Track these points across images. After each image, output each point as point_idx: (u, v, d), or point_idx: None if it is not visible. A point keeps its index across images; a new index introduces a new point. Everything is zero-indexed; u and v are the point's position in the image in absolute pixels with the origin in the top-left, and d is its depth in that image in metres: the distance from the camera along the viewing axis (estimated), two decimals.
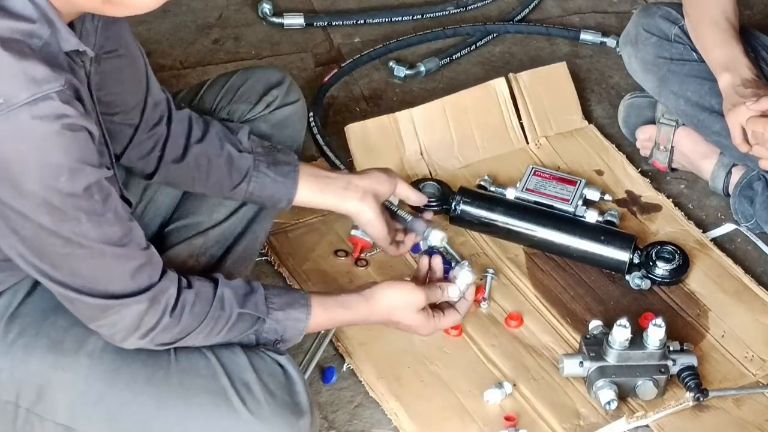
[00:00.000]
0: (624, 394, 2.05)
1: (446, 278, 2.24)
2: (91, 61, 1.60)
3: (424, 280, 2.05)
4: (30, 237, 1.51)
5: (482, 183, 2.43)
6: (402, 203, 2.17)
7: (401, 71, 2.81)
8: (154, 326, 1.64)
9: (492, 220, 2.34)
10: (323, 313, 1.84)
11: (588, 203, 2.41)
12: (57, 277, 1.57)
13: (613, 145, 2.62)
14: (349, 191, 2.00)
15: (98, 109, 1.64)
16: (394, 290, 1.91)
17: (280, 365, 1.75)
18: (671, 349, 2.07)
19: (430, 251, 2.30)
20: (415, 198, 2.15)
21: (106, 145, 1.64)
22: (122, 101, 1.81)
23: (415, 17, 3.01)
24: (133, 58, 1.81)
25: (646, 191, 2.51)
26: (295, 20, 2.96)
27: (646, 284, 2.27)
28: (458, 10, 3.04)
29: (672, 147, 2.52)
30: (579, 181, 2.42)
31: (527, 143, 2.60)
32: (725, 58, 2.28)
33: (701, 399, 2.04)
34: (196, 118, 1.93)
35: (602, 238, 2.30)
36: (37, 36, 1.45)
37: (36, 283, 1.72)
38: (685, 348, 2.10)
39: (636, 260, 2.28)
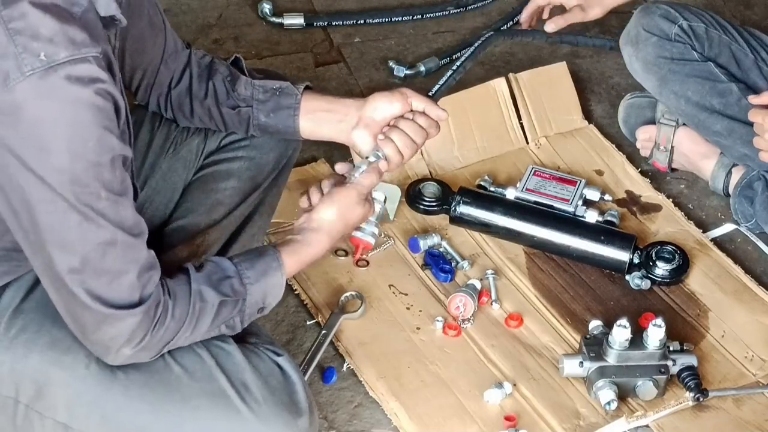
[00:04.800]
0: (624, 394, 2.05)
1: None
2: (116, 35, 1.63)
3: None
4: (46, 216, 1.50)
5: (482, 183, 2.43)
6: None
7: (401, 71, 2.81)
8: (143, 338, 1.62)
9: (492, 220, 2.34)
10: (294, 263, 1.82)
11: (588, 203, 2.41)
12: (66, 262, 1.54)
13: (613, 145, 2.62)
14: (343, 123, 1.98)
15: (123, 87, 1.65)
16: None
17: (278, 365, 1.75)
18: (671, 349, 2.07)
19: (429, 251, 2.30)
20: (434, 111, 1.99)
21: (129, 129, 1.65)
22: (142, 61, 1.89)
23: (415, 17, 3.01)
24: (151, 28, 1.86)
25: (646, 191, 2.51)
26: (295, 20, 2.96)
27: (646, 284, 2.27)
28: (458, 10, 3.04)
29: (672, 147, 2.52)
30: (579, 181, 2.42)
31: (527, 143, 2.60)
32: None
33: (701, 399, 2.04)
34: (198, 75, 1.97)
35: (602, 238, 2.30)
36: (78, 4, 1.50)
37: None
38: (685, 348, 2.10)
39: (636, 260, 2.28)
